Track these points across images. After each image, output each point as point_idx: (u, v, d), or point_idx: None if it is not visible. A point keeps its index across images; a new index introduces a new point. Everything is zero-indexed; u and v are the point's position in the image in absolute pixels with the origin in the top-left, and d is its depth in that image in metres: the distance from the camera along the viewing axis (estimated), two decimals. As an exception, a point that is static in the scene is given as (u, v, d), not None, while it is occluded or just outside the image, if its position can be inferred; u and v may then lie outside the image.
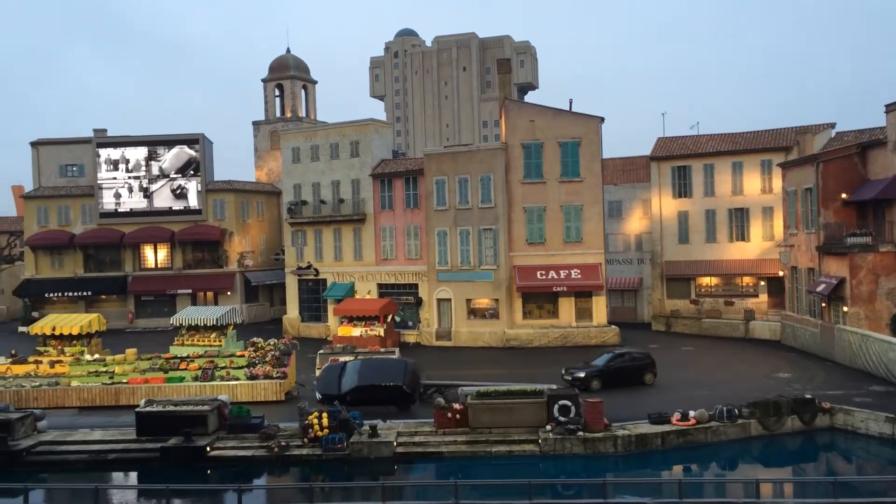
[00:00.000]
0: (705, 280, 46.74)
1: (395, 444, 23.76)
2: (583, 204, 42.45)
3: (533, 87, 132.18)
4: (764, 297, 45.07)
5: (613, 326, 42.57)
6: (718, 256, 45.85)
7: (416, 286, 45.64)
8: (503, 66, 49.73)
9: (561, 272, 42.01)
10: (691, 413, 24.73)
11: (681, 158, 46.86)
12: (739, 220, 45.54)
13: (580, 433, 23.59)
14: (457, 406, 25.04)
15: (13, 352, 35.55)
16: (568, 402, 24.25)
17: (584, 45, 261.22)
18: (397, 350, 33.13)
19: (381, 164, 47.73)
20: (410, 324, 45.84)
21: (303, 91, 73.52)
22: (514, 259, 43.07)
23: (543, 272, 42.17)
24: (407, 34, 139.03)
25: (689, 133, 50.01)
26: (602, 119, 42.83)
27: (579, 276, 41.80)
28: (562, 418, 24.04)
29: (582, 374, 30.45)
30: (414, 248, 45.71)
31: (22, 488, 19.80)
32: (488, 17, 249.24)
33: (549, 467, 22.57)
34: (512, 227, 43.09)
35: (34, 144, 59.34)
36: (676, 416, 24.67)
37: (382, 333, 41.18)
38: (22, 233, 59.84)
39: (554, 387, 26.00)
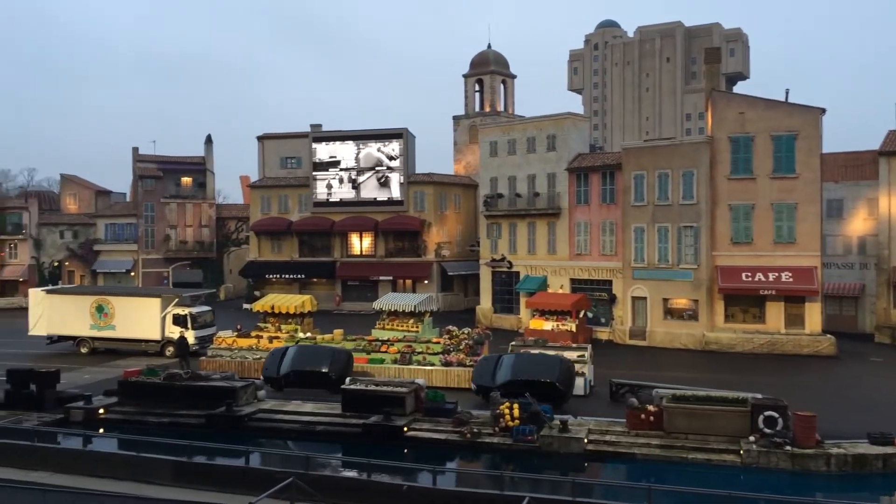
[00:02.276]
0: (943, 290, 41.52)
1: (585, 440, 23.52)
2: (797, 202, 39.32)
3: (743, 76, 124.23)
4: None
5: (829, 336, 39.08)
6: (960, 264, 40.54)
7: (609, 283, 44.73)
8: (711, 55, 47.18)
9: (769, 274, 39.25)
10: (922, 437, 22.15)
11: (917, 153, 41.90)
12: None
13: (788, 447, 21.98)
14: (651, 408, 24.30)
15: (238, 326, 39.22)
16: (775, 414, 22.68)
17: (803, 31, 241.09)
18: (589, 347, 32.58)
19: (578, 158, 47.21)
20: (603, 321, 45.04)
21: (502, 86, 74.46)
22: (717, 259, 40.85)
23: (749, 274, 39.63)
24: (608, 26, 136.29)
25: (929, 124, 44.64)
26: (822, 110, 39.36)
27: (791, 279, 38.81)
28: (767, 430, 22.53)
29: (474, 387, 28.48)
30: (609, 243, 44.81)
31: (244, 450, 21.96)
32: (696, 4, 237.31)
33: (751, 481, 21.17)
34: (715, 225, 40.89)
35: (260, 139, 65.24)
36: (903, 438, 22.22)
37: (574, 329, 40.84)
38: (247, 219, 66.14)
39: (759, 396, 24.36)
